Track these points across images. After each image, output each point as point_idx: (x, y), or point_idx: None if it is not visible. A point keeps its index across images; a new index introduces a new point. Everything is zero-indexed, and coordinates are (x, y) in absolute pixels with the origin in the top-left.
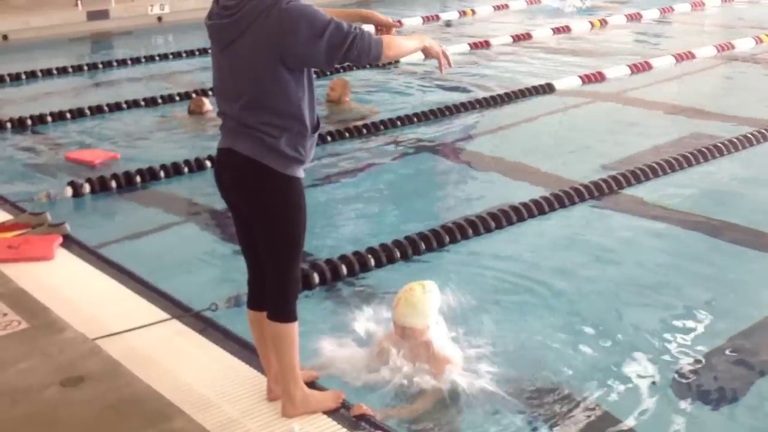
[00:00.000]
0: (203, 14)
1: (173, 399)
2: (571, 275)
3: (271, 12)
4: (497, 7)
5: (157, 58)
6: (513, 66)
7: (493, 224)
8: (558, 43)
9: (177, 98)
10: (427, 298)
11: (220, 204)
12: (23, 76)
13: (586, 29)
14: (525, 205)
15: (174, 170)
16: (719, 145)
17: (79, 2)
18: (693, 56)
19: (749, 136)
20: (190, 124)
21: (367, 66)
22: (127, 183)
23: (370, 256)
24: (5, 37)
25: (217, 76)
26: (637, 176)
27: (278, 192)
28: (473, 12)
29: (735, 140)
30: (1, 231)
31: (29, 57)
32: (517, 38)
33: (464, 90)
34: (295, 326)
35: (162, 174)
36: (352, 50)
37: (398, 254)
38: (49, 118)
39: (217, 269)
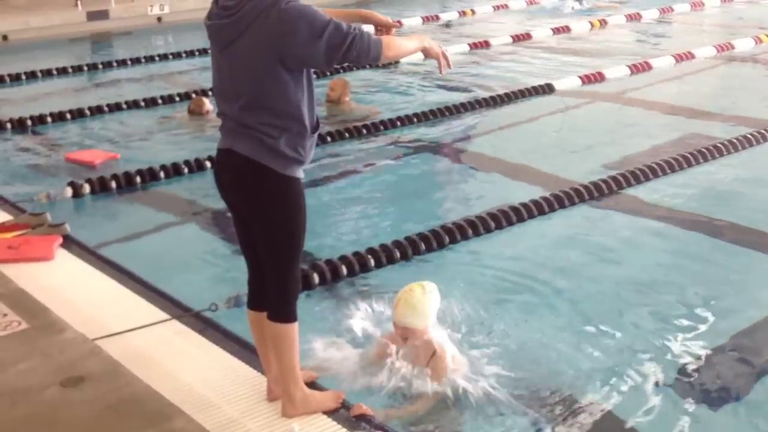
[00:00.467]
0: (203, 14)
1: (173, 399)
2: (571, 275)
3: (270, 12)
4: (497, 7)
5: (156, 58)
6: (513, 66)
7: (493, 224)
8: (558, 43)
9: (177, 98)
10: (427, 298)
11: (220, 204)
12: (23, 77)
13: (586, 29)
14: (525, 205)
15: (174, 171)
16: (719, 145)
17: (79, 2)
18: (693, 56)
19: (749, 136)
20: (190, 124)
21: (367, 66)
22: (127, 183)
23: (370, 256)
24: (5, 38)
25: (216, 77)
26: (637, 176)
27: (278, 192)
28: (473, 12)
29: (735, 140)
30: (1, 231)
31: (29, 57)
32: (517, 38)
33: (464, 90)
34: (295, 327)
35: (162, 174)
36: (352, 51)
37: (398, 254)
38: (49, 119)
39: (217, 269)
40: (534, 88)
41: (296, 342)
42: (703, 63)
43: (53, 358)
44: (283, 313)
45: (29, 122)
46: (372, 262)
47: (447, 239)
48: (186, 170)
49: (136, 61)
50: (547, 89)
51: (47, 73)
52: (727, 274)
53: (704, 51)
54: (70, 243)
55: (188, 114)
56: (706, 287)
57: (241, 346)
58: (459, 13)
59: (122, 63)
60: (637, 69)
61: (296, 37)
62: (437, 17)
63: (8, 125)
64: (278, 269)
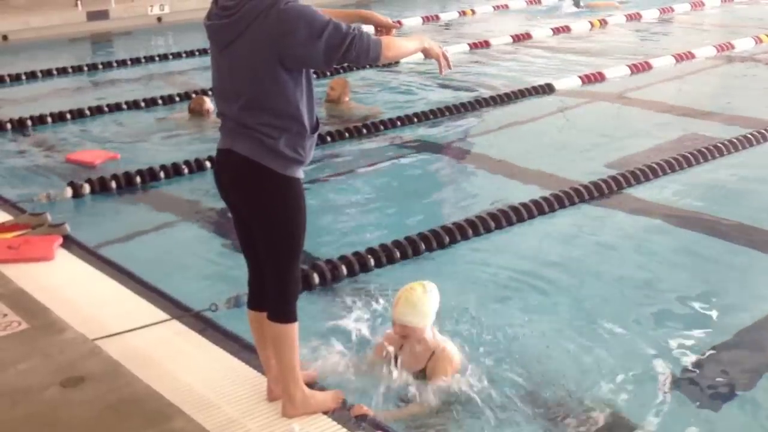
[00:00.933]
0: (203, 14)
1: (173, 399)
2: (572, 275)
3: (269, 12)
4: (497, 7)
5: (157, 58)
6: (513, 66)
7: (493, 224)
8: (558, 43)
9: (177, 98)
10: (427, 297)
11: (220, 204)
12: (23, 77)
13: (586, 29)
14: (525, 205)
15: (174, 171)
16: (719, 145)
17: (79, 2)
18: (693, 56)
19: (749, 136)
20: (190, 124)
21: (367, 66)
22: (127, 183)
23: (370, 256)
24: (5, 38)
25: (216, 77)
26: (637, 176)
27: (277, 193)
28: (473, 12)
29: (735, 140)
30: (1, 231)
31: (29, 57)
32: (517, 38)
33: (464, 90)
34: (295, 327)
35: (162, 174)
36: (351, 51)
37: (398, 254)
38: (49, 119)
39: (217, 269)
40: (534, 88)
41: (296, 342)
42: (704, 63)
43: (53, 358)
44: (283, 313)
45: (29, 122)
46: (372, 262)
47: (447, 239)
48: (186, 170)
49: (136, 61)
50: (548, 89)
51: (47, 73)
52: (729, 273)
53: (704, 51)
54: (70, 243)
55: (189, 113)
56: (709, 285)
57: (241, 346)
58: (459, 12)
59: (122, 63)
60: (637, 69)
61: (295, 38)
62: (437, 17)
63: (8, 125)
64: (278, 269)
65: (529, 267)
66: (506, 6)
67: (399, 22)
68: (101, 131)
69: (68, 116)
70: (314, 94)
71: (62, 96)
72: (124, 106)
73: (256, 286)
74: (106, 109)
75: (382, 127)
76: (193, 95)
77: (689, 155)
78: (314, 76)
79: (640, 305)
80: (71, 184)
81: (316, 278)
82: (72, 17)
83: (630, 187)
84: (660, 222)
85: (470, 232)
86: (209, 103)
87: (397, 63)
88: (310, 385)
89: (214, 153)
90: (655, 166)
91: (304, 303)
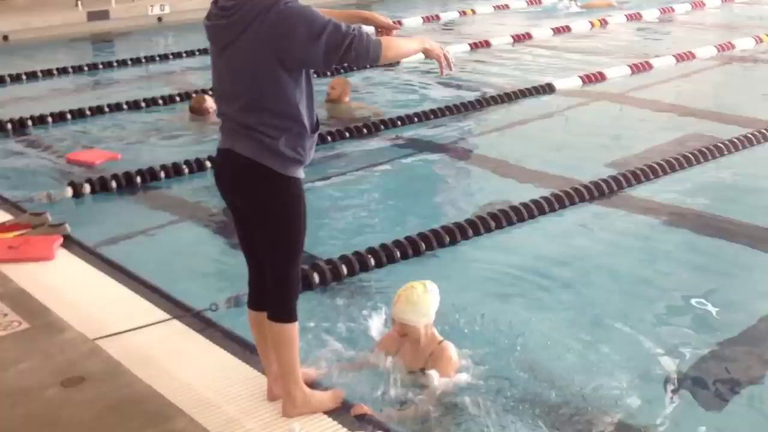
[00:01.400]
0: (203, 14)
1: (173, 399)
2: (572, 275)
3: (269, 13)
4: (497, 7)
5: (157, 58)
6: (513, 66)
7: (493, 224)
8: (558, 43)
9: (177, 98)
10: (427, 296)
11: (220, 204)
12: (23, 77)
13: (586, 29)
14: (525, 205)
15: (174, 171)
16: (719, 145)
17: (79, 3)
18: (693, 56)
19: (749, 136)
20: (190, 124)
21: (367, 66)
22: (127, 183)
23: (370, 256)
24: (6, 38)
25: (216, 78)
26: (637, 176)
27: (277, 193)
28: (473, 12)
29: (735, 140)
30: (2, 231)
31: (29, 57)
32: (517, 38)
33: (464, 90)
34: (295, 326)
35: (162, 174)
36: (350, 51)
37: (398, 254)
38: (49, 119)
39: (217, 269)
40: (534, 87)
41: (296, 342)
42: (704, 63)
43: (53, 358)
44: (284, 312)
45: (30, 122)
46: (372, 262)
47: (447, 239)
48: (186, 170)
49: (136, 61)
50: (548, 89)
51: (48, 73)
52: (731, 271)
53: (705, 51)
54: (70, 243)
55: (189, 112)
56: (711, 284)
57: (241, 346)
58: (459, 12)
59: (122, 63)
60: (638, 69)
61: (295, 38)
62: (438, 17)
63: (8, 125)
64: (278, 269)
65: (529, 266)
66: (507, 6)
67: (399, 22)
68: (101, 131)
69: (68, 116)
70: (314, 94)
71: (62, 96)
72: (125, 106)
73: (257, 286)
74: (106, 109)
75: (382, 127)
76: (193, 95)
77: (690, 155)
78: (314, 75)
79: (642, 304)
80: (71, 183)
81: (316, 278)
82: (72, 17)
83: (630, 186)
84: (661, 221)
85: (470, 231)
86: (210, 102)
87: (397, 63)
88: (310, 384)
89: (214, 153)
90: (656, 166)
91: (304, 303)
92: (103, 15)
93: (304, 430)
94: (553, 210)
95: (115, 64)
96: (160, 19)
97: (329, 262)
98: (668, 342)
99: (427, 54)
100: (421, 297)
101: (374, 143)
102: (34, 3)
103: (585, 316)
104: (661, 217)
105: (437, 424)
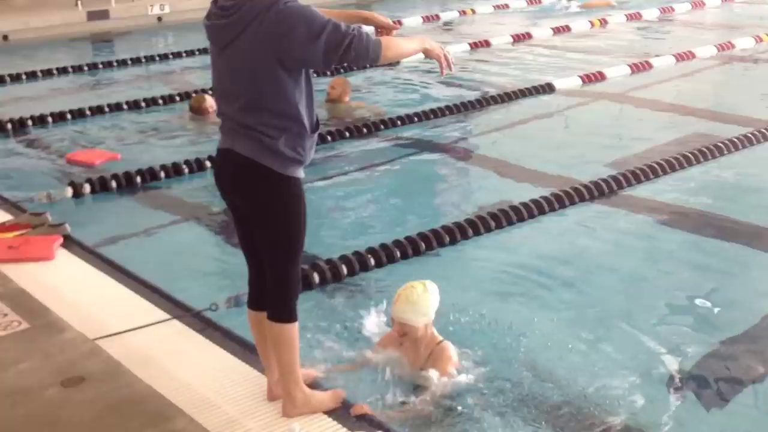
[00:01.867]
0: (203, 14)
1: (173, 399)
2: (571, 275)
3: (268, 12)
4: (497, 7)
5: (157, 58)
6: (513, 66)
7: (493, 224)
8: (558, 42)
9: (177, 98)
10: (427, 296)
11: (220, 204)
12: (23, 77)
13: (586, 29)
14: (525, 205)
15: (174, 171)
16: (719, 144)
17: (79, 2)
18: (693, 56)
19: (749, 135)
20: (190, 124)
21: (367, 66)
22: (127, 183)
23: (370, 256)
24: (5, 38)
25: (216, 77)
26: (637, 176)
27: (277, 192)
28: (473, 11)
29: (735, 140)
30: (2, 231)
31: (29, 57)
32: (517, 38)
33: (464, 90)
34: (295, 327)
35: (162, 174)
36: (350, 51)
37: (398, 254)
38: (49, 119)
39: (217, 269)
40: (534, 87)
41: (296, 342)
42: (704, 63)
43: (53, 358)
44: (283, 313)
45: (30, 122)
46: (372, 262)
47: (447, 239)
48: (186, 170)
49: (136, 61)
50: (548, 89)
51: (47, 73)
52: (729, 272)
53: (705, 50)
54: (70, 243)
55: (189, 112)
56: (709, 285)
57: (241, 346)
58: (459, 12)
59: (122, 63)
60: (637, 68)
61: (294, 38)
62: (438, 17)
63: (8, 125)
64: (278, 269)
65: (529, 266)
66: (506, 5)
67: (399, 22)
68: (101, 131)
69: (68, 116)
70: (314, 94)
71: (62, 96)
72: (125, 106)
73: (257, 286)
74: (106, 109)
75: (382, 127)
76: (193, 95)
77: (690, 154)
78: (314, 75)
79: (643, 303)
80: (71, 183)
81: (316, 278)
82: (72, 17)
83: (631, 186)
84: (662, 221)
85: (470, 231)
86: (210, 101)
87: (397, 62)
88: (310, 384)
89: (214, 153)
90: (656, 166)
91: (304, 303)
92: (103, 15)
93: (304, 430)
94: (553, 210)
95: (115, 63)
96: (160, 18)
97: (329, 261)
98: (670, 341)
99: (427, 54)
100: (421, 297)
101: (374, 143)
102: (33, 3)
103: (586, 315)
104: (661, 216)
105: (437, 424)
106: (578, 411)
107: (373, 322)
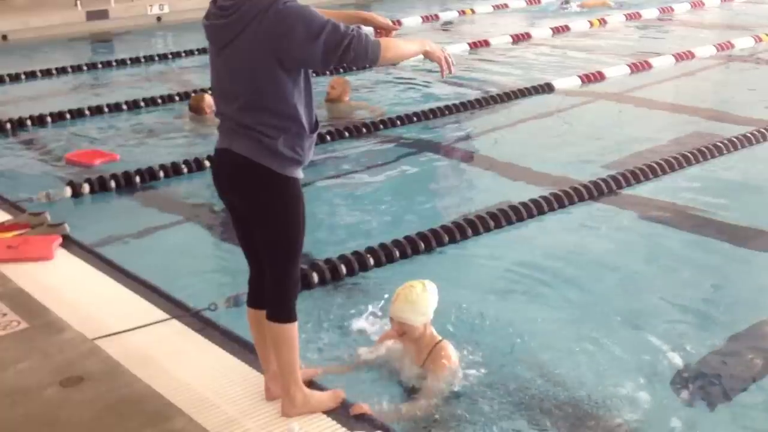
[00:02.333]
0: (202, 14)
1: (172, 399)
2: (570, 276)
3: (267, 12)
4: (496, 7)
5: (156, 58)
6: (512, 65)
7: (492, 224)
8: (557, 42)
9: (177, 98)
10: (426, 295)
11: (219, 204)
12: (23, 76)
13: (586, 29)
14: (525, 205)
15: (173, 170)
16: (719, 144)
17: (78, 2)
18: (692, 55)
19: (749, 135)
20: (190, 124)
21: (366, 67)
22: (126, 183)
23: (369, 256)
24: (5, 37)
25: (214, 77)
26: (637, 176)
27: (276, 193)
28: (473, 11)
29: (735, 139)
30: (1, 231)
31: (29, 57)
32: (517, 38)
33: (464, 89)
34: (294, 326)
35: (161, 174)
36: (349, 52)
37: (398, 254)
38: (48, 119)
39: (217, 268)
40: (533, 87)
41: (296, 342)
42: (704, 62)
43: (53, 358)
44: (282, 312)
45: (29, 122)
46: (371, 262)
47: (447, 239)
48: (185, 170)
49: (135, 60)
50: (547, 89)
51: (47, 73)
52: (728, 273)
53: (704, 50)
54: (69, 242)
55: (189, 111)
56: (708, 286)
57: (241, 345)
58: (459, 12)
59: (122, 63)
60: (637, 68)
61: (293, 38)
62: (437, 17)
63: (8, 125)
64: (277, 269)
65: (529, 266)
66: (506, 5)
67: (398, 22)
68: (101, 131)
69: (68, 116)
70: (313, 94)
71: (62, 96)
72: (124, 106)
73: (257, 284)
74: (105, 108)
75: (382, 127)
76: (193, 94)
77: (689, 154)
78: (314, 75)
79: (645, 303)
80: (70, 183)
81: (315, 277)
82: (71, 17)
83: (630, 186)
84: (659, 222)
85: (470, 231)
86: (209, 101)
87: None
88: (309, 384)
89: (213, 152)
90: (655, 166)
91: (303, 302)
92: (103, 14)
93: (304, 429)
94: (552, 209)
95: (114, 63)
96: (159, 18)
97: (328, 261)
98: (673, 340)
99: (428, 56)
100: (420, 296)
101: (374, 143)
102: (33, 2)
103: (587, 314)
104: (660, 216)
105: (436, 424)
106: (581, 411)
107: (372, 322)
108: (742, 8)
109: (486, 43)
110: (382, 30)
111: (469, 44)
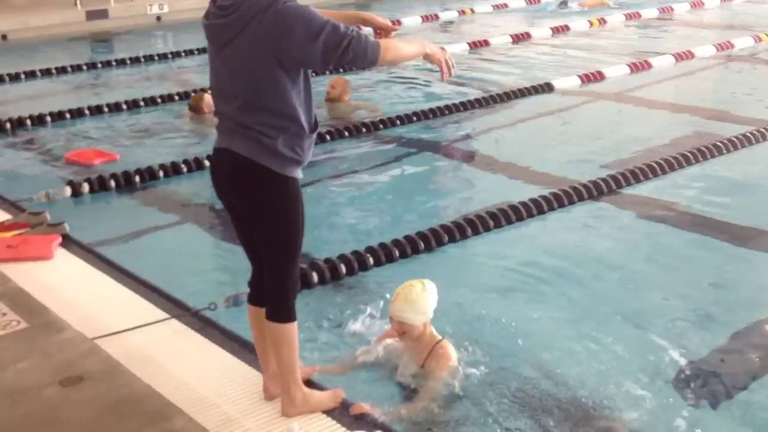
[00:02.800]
0: (202, 14)
1: (172, 398)
2: (571, 275)
3: (267, 12)
4: (496, 6)
5: (156, 57)
6: (512, 65)
7: (492, 224)
8: (557, 42)
9: (176, 98)
10: (425, 295)
11: (219, 204)
12: (22, 76)
13: (585, 28)
14: (525, 204)
15: (173, 170)
16: (719, 144)
17: (78, 2)
18: (692, 55)
19: (749, 135)
20: (189, 124)
21: (365, 67)
22: (126, 183)
23: (369, 255)
24: (5, 37)
25: (214, 77)
26: (636, 176)
27: (275, 192)
28: (472, 11)
29: (734, 139)
30: (0, 230)
31: (28, 57)
32: (517, 38)
33: (464, 89)
34: (294, 326)
35: (161, 174)
36: (348, 52)
37: (397, 254)
38: (48, 118)
39: (216, 268)
40: (533, 87)
41: (296, 341)
42: (703, 62)
43: (52, 358)
44: (282, 312)
45: (28, 122)
46: (371, 261)
47: (446, 238)
48: (185, 169)
49: (135, 60)
50: (547, 88)
51: (46, 73)
52: (727, 273)
53: (704, 50)
54: (69, 242)
55: (189, 111)
56: (708, 286)
57: (240, 345)
58: (459, 12)
59: (122, 62)
60: (637, 68)
61: (293, 38)
62: (437, 16)
63: (8, 125)
64: (276, 269)
65: (528, 267)
66: (506, 5)
67: (398, 22)
68: (100, 131)
69: (67, 115)
70: (313, 94)
71: (61, 95)
72: (124, 106)
73: (258, 282)
74: (105, 108)
75: (382, 126)
76: (192, 94)
77: (689, 154)
78: (314, 75)
79: (645, 301)
80: (70, 183)
81: (315, 277)
82: (71, 17)
83: (629, 186)
84: (659, 222)
85: (470, 231)
86: (209, 101)
87: None
88: (309, 384)
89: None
90: (655, 166)
91: (303, 302)
92: (102, 14)
93: (303, 429)
94: (552, 209)
95: (114, 63)
96: (159, 18)
97: (328, 261)
98: (674, 339)
99: (428, 59)
100: (420, 295)
101: (374, 142)
102: (33, 2)
103: (588, 313)
104: (660, 216)
105: (436, 423)
106: (582, 410)
107: (371, 322)
108: (742, 8)
109: (486, 43)
110: (381, 31)
111: (469, 44)
